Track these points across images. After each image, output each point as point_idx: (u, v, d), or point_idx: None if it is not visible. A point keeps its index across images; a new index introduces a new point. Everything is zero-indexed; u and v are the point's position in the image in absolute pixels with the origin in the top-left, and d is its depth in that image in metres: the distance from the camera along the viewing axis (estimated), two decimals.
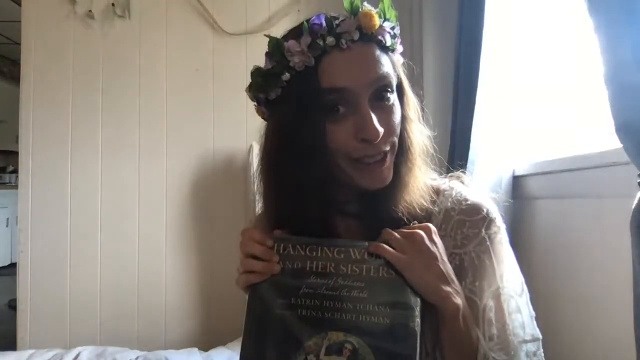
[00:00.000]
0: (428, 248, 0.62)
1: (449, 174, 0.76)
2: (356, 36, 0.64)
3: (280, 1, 1.96)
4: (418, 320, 0.60)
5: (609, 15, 0.60)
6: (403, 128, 0.67)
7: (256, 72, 0.68)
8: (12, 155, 5.40)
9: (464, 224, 0.67)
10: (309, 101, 0.64)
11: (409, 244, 0.62)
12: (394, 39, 0.69)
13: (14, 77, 5.30)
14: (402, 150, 0.67)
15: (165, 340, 1.88)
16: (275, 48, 0.65)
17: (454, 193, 0.70)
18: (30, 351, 1.63)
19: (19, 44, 1.91)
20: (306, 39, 0.63)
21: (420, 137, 0.70)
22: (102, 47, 1.92)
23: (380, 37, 0.66)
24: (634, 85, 0.58)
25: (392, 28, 0.68)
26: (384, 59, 0.66)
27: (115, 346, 1.69)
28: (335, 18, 0.65)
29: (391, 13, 0.68)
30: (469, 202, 0.68)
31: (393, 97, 0.66)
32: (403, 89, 0.69)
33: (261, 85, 0.68)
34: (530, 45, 1.31)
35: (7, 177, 5.54)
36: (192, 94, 1.94)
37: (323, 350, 0.59)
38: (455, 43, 1.40)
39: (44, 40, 1.89)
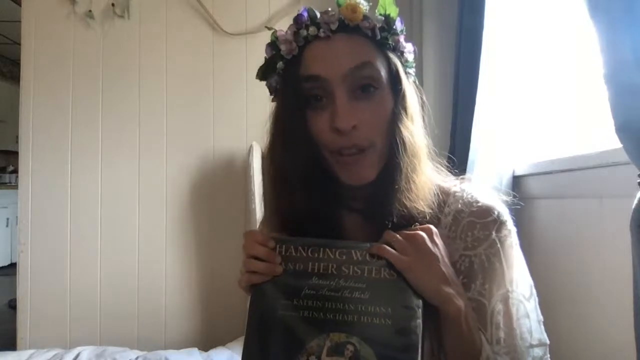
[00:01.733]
0: (429, 249, 0.62)
1: (460, 177, 0.75)
2: (334, 26, 0.67)
3: (280, 1, 1.96)
4: (420, 321, 0.59)
5: (609, 15, 0.60)
6: (395, 127, 0.67)
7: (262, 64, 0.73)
8: (12, 155, 5.40)
9: (475, 226, 0.67)
10: (290, 89, 0.68)
11: (411, 245, 0.62)
12: (389, 33, 0.69)
13: (14, 77, 5.30)
14: (395, 149, 0.66)
15: (165, 340, 1.88)
16: (273, 38, 0.70)
17: (464, 195, 0.70)
18: (30, 351, 1.63)
19: (19, 44, 1.91)
20: (292, 29, 0.69)
21: (417, 137, 0.69)
22: (102, 47, 1.92)
23: (367, 31, 0.67)
24: (634, 85, 0.58)
25: (387, 22, 0.69)
26: (370, 52, 0.67)
27: (115, 346, 1.69)
28: (326, 12, 0.68)
29: (392, 9, 0.69)
30: (480, 204, 0.68)
31: (379, 92, 0.66)
32: (400, 88, 0.69)
33: (263, 73, 0.72)
34: (530, 45, 1.31)
35: (7, 177, 5.54)
36: (192, 94, 1.94)
37: (325, 351, 0.58)
38: (455, 43, 1.40)
39: (44, 40, 1.89)
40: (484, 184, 1.22)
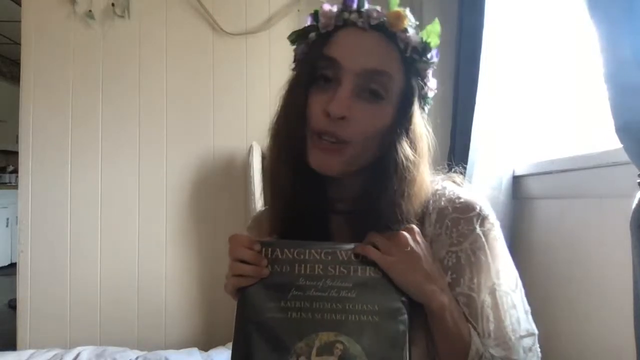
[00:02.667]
0: (412, 249, 0.64)
1: (442, 175, 0.76)
2: (374, 22, 0.68)
3: (280, 1, 1.96)
4: (406, 317, 0.61)
5: (609, 14, 0.60)
6: (392, 144, 0.67)
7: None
8: (12, 155, 5.40)
9: (459, 222, 0.68)
10: (309, 63, 0.68)
11: (394, 245, 0.64)
12: (420, 58, 0.69)
13: (14, 77, 5.30)
14: (387, 168, 0.66)
15: (165, 340, 1.88)
16: (317, 9, 0.71)
17: (446, 192, 0.71)
18: (30, 351, 1.63)
19: (19, 44, 1.91)
20: (339, 7, 0.70)
21: (412, 164, 0.67)
22: (102, 47, 1.92)
23: (400, 43, 0.68)
24: (634, 85, 0.58)
25: (423, 47, 0.69)
26: (394, 64, 0.68)
27: (115, 346, 1.69)
28: (374, 8, 0.69)
29: (434, 39, 0.70)
30: (462, 200, 0.69)
31: (383, 103, 0.67)
32: (409, 110, 0.69)
33: (296, 37, 0.73)
34: (530, 44, 1.31)
35: (7, 177, 5.54)
36: (192, 93, 1.94)
37: (314, 351, 0.59)
38: (455, 43, 1.40)
39: (44, 40, 1.89)
40: (482, 184, 1.22)
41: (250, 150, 1.85)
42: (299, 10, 1.93)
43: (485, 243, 0.67)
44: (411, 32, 0.69)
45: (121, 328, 1.86)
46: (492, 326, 0.64)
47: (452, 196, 0.70)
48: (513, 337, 0.64)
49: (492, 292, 0.66)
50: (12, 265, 4.67)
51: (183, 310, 1.90)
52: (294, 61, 0.75)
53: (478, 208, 0.68)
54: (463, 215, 0.68)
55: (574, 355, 1.03)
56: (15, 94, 2.01)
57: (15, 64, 5.51)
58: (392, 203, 0.66)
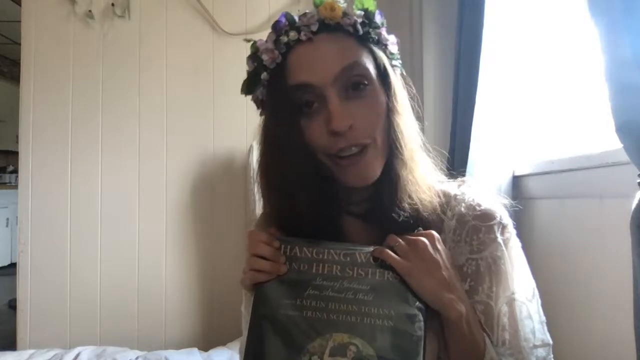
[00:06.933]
0: (431, 256, 0.62)
1: (459, 179, 0.75)
2: (314, 27, 0.65)
3: (280, 1, 1.96)
4: (422, 323, 0.60)
5: (609, 14, 0.60)
6: (390, 121, 0.66)
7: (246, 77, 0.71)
8: (12, 155, 5.40)
9: (480, 229, 0.67)
10: (279, 99, 0.66)
11: (412, 251, 0.62)
12: (370, 27, 0.68)
13: (14, 77, 5.30)
14: (391, 145, 0.66)
15: (165, 340, 1.88)
16: (254, 50, 0.69)
17: (466, 198, 0.70)
18: (30, 351, 1.63)
19: (19, 44, 1.91)
20: (271, 37, 0.67)
21: (411, 130, 0.68)
22: (102, 47, 1.92)
23: (348, 28, 0.66)
24: (634, 85, 0.58)
25: (367, 17, 0.68)
26: (355, 49, 0.66)
27: (115, 346, 1.69)
28: (304, 15, 0.67)
29: (370, 3, 0.68)
30: (482, 208, 0.68)
31: (370, 88, 0.65)
32: (389, 81, 0.68)
33: (247, 87, 0.71)
34: (530, 44, 1.31)
35: (7, 177, 5.53)
36: (192, 93, 1.94)
37: (327, 351, 0.59)
38: (455, 43, 1.40)
39: (44, 40, 1.89)
40: (483, 185, 1.22)
41: (250, 150, 1.85)
42: (299, 11, 1.92)
43: (505, 252, 0.66)
44: (349, 11, 0.67)
45: (121, 328, 1.86)
46: (507, 335, 0.64)
47: (472, 203, 0.69)
48: (527, 347, 0.64)
49: (510, 302, 0.65)
50: (12, 265, 4.66)
51: (183, 310, 1.91)
52: (260, 107, 0.73)
53: (499, 216, 0.68)
54: (484, 223, 0.67)
55: (574, 354, 1.03)
56: (15, 94, 2.01)
57: (15, 64, 5.51)
58: (410, 171, 0.65)
